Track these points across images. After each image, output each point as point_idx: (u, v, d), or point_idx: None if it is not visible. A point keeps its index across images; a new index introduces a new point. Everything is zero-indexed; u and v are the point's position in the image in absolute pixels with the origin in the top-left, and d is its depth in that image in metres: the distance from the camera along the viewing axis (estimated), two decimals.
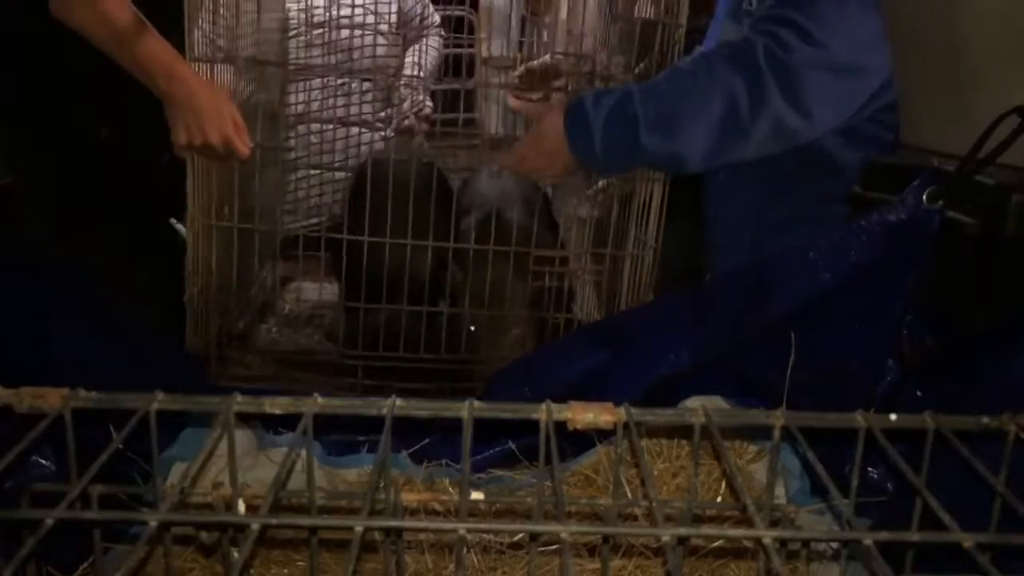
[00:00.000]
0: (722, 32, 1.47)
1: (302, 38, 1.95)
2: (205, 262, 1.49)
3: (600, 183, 1.65)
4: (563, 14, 1.83)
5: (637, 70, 1.52)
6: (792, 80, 1.24)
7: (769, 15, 1.28)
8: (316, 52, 1.94)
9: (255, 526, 0.49)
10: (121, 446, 0.59)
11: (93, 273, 1.20)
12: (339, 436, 1.19)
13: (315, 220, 2.02)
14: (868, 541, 0.49)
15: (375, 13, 1.97)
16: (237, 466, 0.65)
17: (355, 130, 1.98)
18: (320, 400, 0.59)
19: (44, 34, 1.42)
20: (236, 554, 0.51)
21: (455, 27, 2.10)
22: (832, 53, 1.24)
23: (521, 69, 1.79)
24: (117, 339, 1.06)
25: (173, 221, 1.54)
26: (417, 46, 2.17)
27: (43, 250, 1.03)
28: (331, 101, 1.98)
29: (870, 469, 1.09)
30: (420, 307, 1.59)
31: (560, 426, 0.60)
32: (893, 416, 0.61)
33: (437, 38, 2.22)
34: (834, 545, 0.94)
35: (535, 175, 1.46)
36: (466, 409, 0.60)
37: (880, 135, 1.33)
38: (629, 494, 1.03)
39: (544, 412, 0.59)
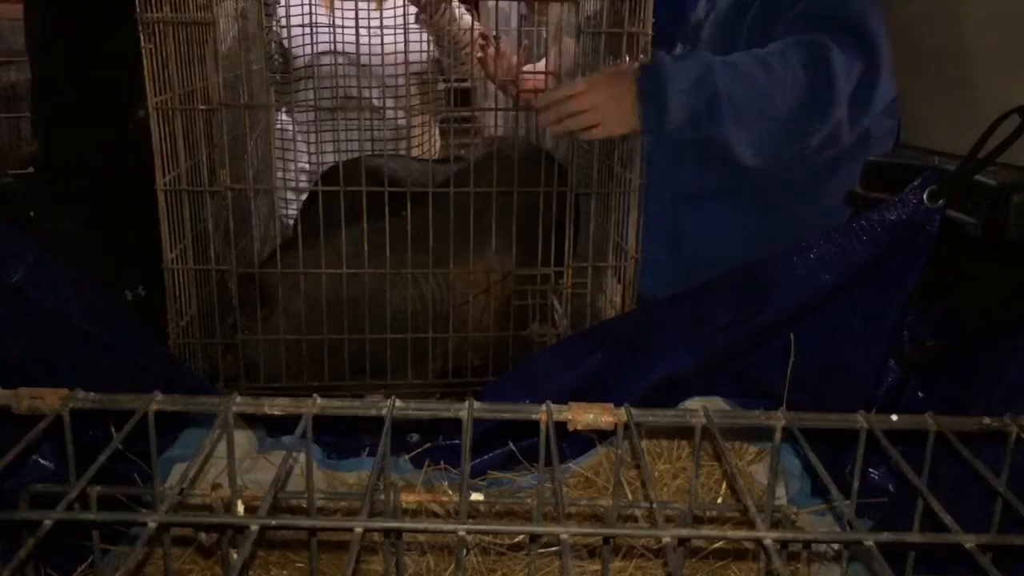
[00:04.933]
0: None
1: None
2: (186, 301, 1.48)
3: None
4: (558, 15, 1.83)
5: None
6: (857, 94, 1.27)
7: (823, 16, 1.29)
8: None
9: (254, 527, 0.49)
10: (120, 446, 0.58)
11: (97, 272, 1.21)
12: (339, 440, 1.19)
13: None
14: (869, 542, 0.49)
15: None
16: (236, 468, 0.65)
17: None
18: (319, 401, 0.59)
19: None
20: (235, 555, 0.51)
21: None
22: (879, 61, 1.27)
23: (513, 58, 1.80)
24: (117, 340, 1.06)
25: None
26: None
27: (45, 248, 1.03)
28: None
29: (871, 470, 1.09)
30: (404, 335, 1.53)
31: (560, 427, 0.60)
32: (894, 417, 0.60)
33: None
34: (835, 546, 0.94)
35: (587, 116, 1.27)
36: (466, 410, 0.59)
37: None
38: (629, 495, 1.03)
39: (544, 413, 0.59)
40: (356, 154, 1.87)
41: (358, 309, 1.51)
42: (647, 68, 1.25)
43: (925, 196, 0.99)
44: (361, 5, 1.69)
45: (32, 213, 1.78)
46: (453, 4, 1.95)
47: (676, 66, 1.25)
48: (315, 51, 1.92)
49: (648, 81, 1.23)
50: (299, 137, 2.01)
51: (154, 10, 1.35)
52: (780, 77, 1.24)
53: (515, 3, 2.09)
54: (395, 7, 1.94)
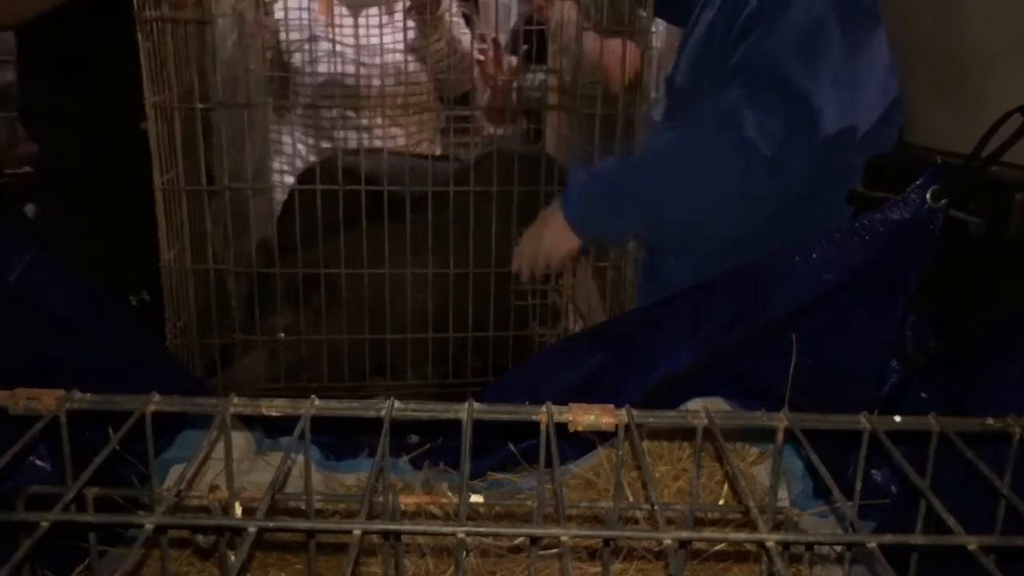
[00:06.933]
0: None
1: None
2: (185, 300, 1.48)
3: None
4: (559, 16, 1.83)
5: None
6: (777, 167, 1.23)
7: (760, 71, 1.25)
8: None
9: (252, 529, 0.48)
10: (118, 448, 0.58)
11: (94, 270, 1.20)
12: (338, 441, 1.18)
13: None
14: (872, 544, 0.49)
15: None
16: (234, 469, 0.64)
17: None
18: (318, 402, 0.59)
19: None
20: (233, 557, 0.51)
21: None
22: (824, 122, 1.22)
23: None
24: (115, 341, 1.05)
25: None
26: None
27: (43, 246, 1.03)
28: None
29: (873, 471, 1.08)
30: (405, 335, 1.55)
31: (561, 428, 0.59)
32: (897, 418, 0.60)
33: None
34: (837, 548, 0.94)
35: (544, 260, 1.43)
36: (466, 411, 0.59)
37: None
38: (630, 497, 1.03)
39: (544, 414, 0.59)
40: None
41: (360, 309, 1.51)
42: (565, 198, 1.38)
43: (928, 195, 0.98)
44: (360, 20, 1.70)
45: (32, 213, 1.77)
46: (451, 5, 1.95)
47: (587, 191, 1.36)
48: (314, 57, 1.92)
49: (570, 212, 1.37)
50: (297, 140, 2.01)
51: (152, 8, 1.34)
52: (689, 167, 1.29)
53: (515, 1, 2.09)
54: (395, 24, 1.94)
